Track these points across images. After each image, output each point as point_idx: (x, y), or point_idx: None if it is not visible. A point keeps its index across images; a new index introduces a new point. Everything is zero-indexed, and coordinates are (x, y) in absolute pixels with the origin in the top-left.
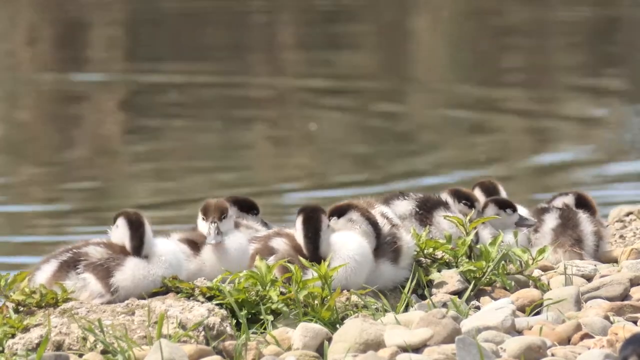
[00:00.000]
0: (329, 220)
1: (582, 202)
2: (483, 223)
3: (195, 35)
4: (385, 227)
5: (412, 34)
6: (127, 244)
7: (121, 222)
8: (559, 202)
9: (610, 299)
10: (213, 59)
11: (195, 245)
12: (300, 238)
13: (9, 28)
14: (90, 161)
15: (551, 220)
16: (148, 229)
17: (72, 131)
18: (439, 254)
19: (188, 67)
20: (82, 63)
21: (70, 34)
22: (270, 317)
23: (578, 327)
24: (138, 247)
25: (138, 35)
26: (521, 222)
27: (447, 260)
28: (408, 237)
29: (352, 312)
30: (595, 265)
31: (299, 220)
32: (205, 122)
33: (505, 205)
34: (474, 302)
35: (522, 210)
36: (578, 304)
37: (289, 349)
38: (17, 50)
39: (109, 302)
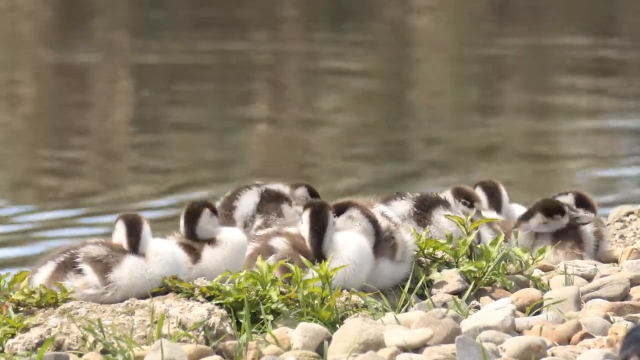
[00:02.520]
0: None
1: (582, 202)
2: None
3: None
4: (383, 224)
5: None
6: (124, 241)
7: (119, 224)
8: None
9: (610, 299)
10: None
11: (193, 250)
12: (305, 231)
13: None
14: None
15: None
16: (146, 227)
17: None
18: (439, 253)
19: (190, 45)
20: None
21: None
22: (270, 317)
23: (578, 327)
24: (135, 243)
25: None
26: (575, 221)
27: (447, 260)
28: (407, 236)
29: (351, 311)
30: (595, 265)
31: (305, 214)
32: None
33: (552, 212)
34: (474, 302)
35: (520, 209)
36: (578, 303)
37: (289, 348)
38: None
39: (102, 299)
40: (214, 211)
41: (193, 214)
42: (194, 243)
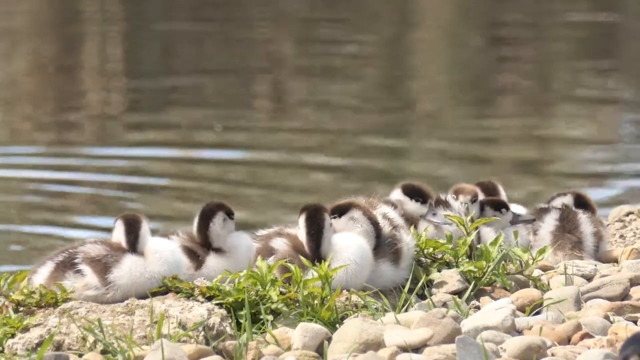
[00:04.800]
0: (330, 218)
1: (581, 202)
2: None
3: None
4: (385, 227)
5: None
6: (123, 240)
7: (118, 223)
8: (558, 203)
9: (610, 299)
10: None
11: (195, 256)
12: (302, 235)
13: None
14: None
15: (551, 221)
16: (145, 227)
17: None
18: (439, 253)
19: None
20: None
21: None
22: (270, 317)
23: (578, 327)
24: (134, 242)
25: None
26: (516, 220)
27: (447, 260)
28: (408, 238)
29: (351, 312)
30: (595, 265)
31: (301, 218)
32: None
33: (499, 206)
34: (474, 302)
35: (520, 210)
36: (578, 303)
37: (289, 348)
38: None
39: (102, 298)
40: (228, 214)
41: (206, 218)
42: (197, 248)
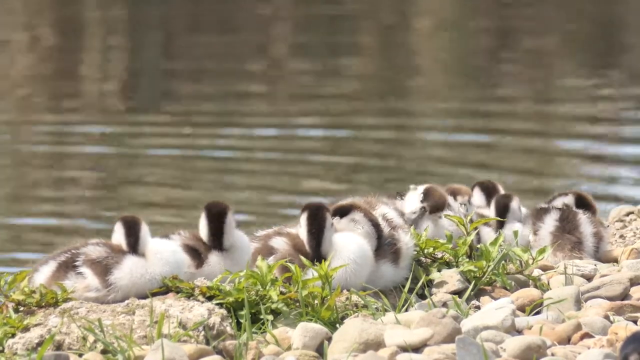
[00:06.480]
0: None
1: (582, 202)
2: None
3: None
4: (385, 228)
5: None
6: (123, 242)
7: (118, 225)
8: (558, 203)
9: (610, 299)
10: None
11: (197, 254)
12: (303, 234)
13: None
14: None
15: (551, 221)
16: (144, 228)
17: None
18: (439, 253)
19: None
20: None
21: None
22: (270, 317)
23: (578, 327)
24: (134, 243)
25: None
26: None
27: (447, 260)
28: (407, 238)
29: (352, 311)
30: (595, 265)
31: (303, 217)
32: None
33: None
34: (474, 302)
35: (522, 211)
36: (578, 303)
37: (289, 348)
38: None
39: (104, 300)
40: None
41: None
42: (200, 246)
